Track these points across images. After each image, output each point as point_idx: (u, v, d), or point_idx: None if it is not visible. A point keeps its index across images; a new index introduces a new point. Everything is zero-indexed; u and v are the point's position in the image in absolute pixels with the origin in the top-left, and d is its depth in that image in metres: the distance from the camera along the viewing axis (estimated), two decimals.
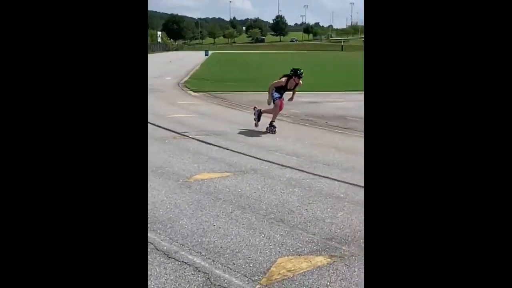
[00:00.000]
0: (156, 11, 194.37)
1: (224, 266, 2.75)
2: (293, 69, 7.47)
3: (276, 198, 4.07)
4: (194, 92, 13.92)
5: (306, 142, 6.70)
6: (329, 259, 2.87)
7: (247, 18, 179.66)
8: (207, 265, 2.75)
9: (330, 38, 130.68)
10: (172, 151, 5.82)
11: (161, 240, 3.11)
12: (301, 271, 2.70)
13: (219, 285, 2.52)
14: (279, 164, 5.25)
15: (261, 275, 2.65)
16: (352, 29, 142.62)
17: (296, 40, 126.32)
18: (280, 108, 7.50)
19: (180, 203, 3.87)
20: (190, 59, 39.72)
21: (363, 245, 2.98)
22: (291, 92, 7.65)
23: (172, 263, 2.78)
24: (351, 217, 3.61)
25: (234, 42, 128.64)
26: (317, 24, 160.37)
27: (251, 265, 2.77)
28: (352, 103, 11.31)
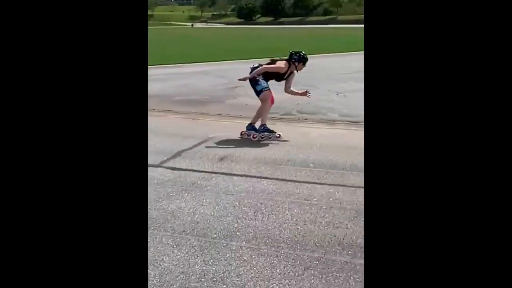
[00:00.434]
0: None
1: None
2: (296, 52, 5.70)
3: None
4: None
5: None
6: None
7: None
8: None
9: None
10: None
11: None
12: None
13: None
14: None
15: None
16: None
17: None
18: (272, 102, 5.65)
19: None
20: None
21: None
22: (282, 82, 5.78)
23: None
24: None
25: None
26: None
27: None
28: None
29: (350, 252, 2.86)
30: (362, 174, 4.32)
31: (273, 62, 5.72)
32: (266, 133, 5.61)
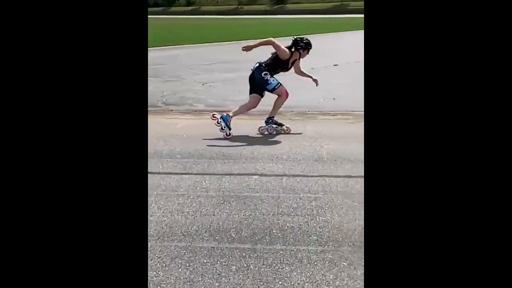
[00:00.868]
0: None
1: None
2: (301, 39, 5.49)
3: None
4: None
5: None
6: None
7: None
8: None
9: None
10: None
11: None
12: None
13: None
14: None
15: None
16: None
17: None
18: (287, 96, 5.47)
19: None
20: None
21: None
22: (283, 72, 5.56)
23: None
24: None
25: None
26: None
27: None
28: None
29: (217, 237, 2.92)
30: (229, 160, 4.44)
31: (276, 55, 5.47)
32: (274, 126, 5.49)
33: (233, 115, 5.42)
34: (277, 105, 5.52)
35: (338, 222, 3.12)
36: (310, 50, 5.55)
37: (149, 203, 3.44)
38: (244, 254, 2.71)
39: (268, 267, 2.57)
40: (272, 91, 5.43)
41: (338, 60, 11.91)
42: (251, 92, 5.53)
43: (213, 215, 3.26)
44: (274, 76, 5.44)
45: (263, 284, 2.42)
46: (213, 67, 11.74)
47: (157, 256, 2.69)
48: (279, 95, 5.46)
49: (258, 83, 5.42)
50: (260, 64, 5.50)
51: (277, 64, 5.45)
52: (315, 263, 2.61)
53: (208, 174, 4.12)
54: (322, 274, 2.50)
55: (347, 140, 5.13)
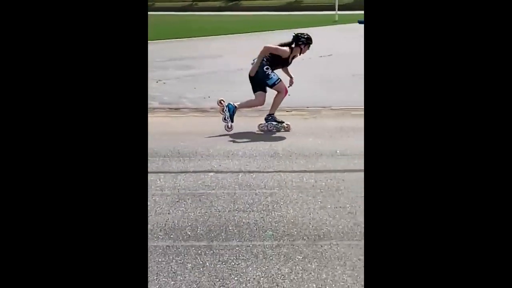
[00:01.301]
0: None
1: None
2: (302, 35, 5.49)
3: None
4: None
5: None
6: None
7: None
8: None
9: None
10: None
11: None
12: None
13: None
14: None
15: None
16: None
17: None
18: (286, 92, 5.44)
19: None
20: None
21: None
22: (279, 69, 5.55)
23: None
24: None
25: None
26: None
27: None
28: None
29: (172, 236, 2.90)
30: (184, 158, 4.40)
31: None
32: (274, 123, 5.40)
33: (239, 107, 5.41)
34: (276, 102, 5.46)
35: (293, 216, 3.16)
36: (311, 45, 5.54)
37: None
38: (199, 251, 2.70)
39: (224, 263, 2.58)
40: (271, 86, 5.37)
41: None
42: (255, 90, 5.45)
43: (168, 213, 3.23)
44: (274, 71, 5.41)
45: (219, 280, 2.42)
46: (167, 64, 11.58)
47: None
48: (278, 91, 5.41)
49: (260, 78, 5.36)
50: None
51: (278, 60, 5.42)
52: (271, 257, 2.64)
53: (162, 172, 4.08)
54: (278, 269, 2.52)
55: (302, 135, 5.20)
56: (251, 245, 2.78)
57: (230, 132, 5.35)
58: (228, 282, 2.41)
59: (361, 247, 2.73)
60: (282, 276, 2.45)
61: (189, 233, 2.94)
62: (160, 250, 2.71)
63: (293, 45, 5.45)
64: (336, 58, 12.08)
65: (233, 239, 2.86)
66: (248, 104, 5.54)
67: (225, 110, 5.36)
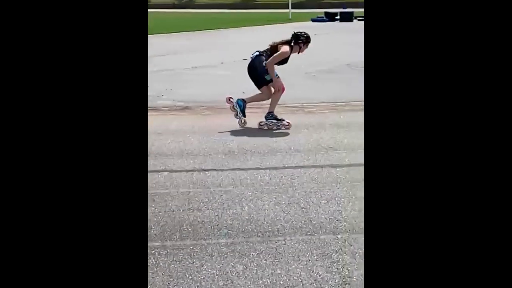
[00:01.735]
0: None
1: None
2: (301, 33, 5.48)
3: None
4: None
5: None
6: None
7: None
8: None
9: None
10: None
11: None
12: None
13: None
14: None
15: None
16: None
17: None
18: (283, 89, 5.43)
19: None
20: None
21: None
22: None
23: None
24: None
25: None
26: None
27: None
28: None
29: None
30: None
31: (276, 47, 5.35)
32: (274, 121, 5.36)
33: (248, 101, 5.47)
34: (274, 99, 5.47)
35: (247, 213, 3.18)
36: (309, 44, 5.56)
37: None
38: (153, 251, 2.67)
39: (178, 263, 2.56)
40: (269, 82, 5.37)
41: (247, 54, 12.04)
42: (259, 86, 5.45)
43: None
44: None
45: (173, 280, 2.40)
46: None
47: None
48: (276, 87, 5.39)
49: (259, 73, 5.37)
50: (261, 53, 5.43)
51: (282, 60, 5.41)
52: (225, 255, 2.64)
53: None
54: (232, 266, 2.53)
55: (257, 133, 5.22)
56: (205, 244, 2.77)
57: (186, 132, 5.31)
58: (182, 281, 2.40)
59: (314, 241, 2.78)
60: (237, 273, 2.46)
61: None
62: None
63: (292, 43, 5.47)
64: (290, 57, 12.18)
65: (188, 238, 2.84)
66: (255, 98, 5.57)
67: (235, 107, 5.44)
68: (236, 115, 5.46)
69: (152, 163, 4.21)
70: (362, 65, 10.09)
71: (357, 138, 4.91)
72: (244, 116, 5.47)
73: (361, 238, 2.80)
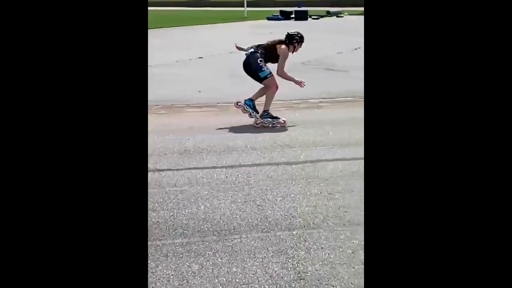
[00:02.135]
0: None
1: None
2: (296, 33, 5.51)
3: None
4: None
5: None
6: None
7: None
8: None
9: None
10: None
11: None
12: None
13: None
14: None
15: None
16: None
17: None
18: (277, 88, 5.46)
19: None
20: None
21: None
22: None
23: None
24: None
25: None
26: None
27: None
28: None
29: None
30: None
31: (272, 46, 5.38)
32: (269, 119, 5.38)
33: (255, 99, 5.49)
34: (268, 97, 5.49)
35: (203, 213, 3.17)
36: (303, 44, 5.60)
37: None
38: None
39: None
40: (263, 79, 5.39)
41: (203, 52, 11.98)
42: (259, 81, 5.46)
43: None
44: (266, 65, 5.43)
45: None
46: None
47: None
48: (268, 86, 5.42)
49: (253, 70, 5.41)
50: (256, 50, 5.44)
51: (271, 55, 5.45)
52: (181, 255, 2.62)
53: None
54: (188, 266, 2.52)
55: (214, 131, 5.21)
56: (160, 245, 2.74)
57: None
58: None
59: (269, 238, 2.81)
60: (192, 273, 2.45)
61: None
62: None
63: (287, 43, 5.50)
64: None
65: None
66: (260, 93, 5.55)
67: (246, 108, 5.47)
68: (250, 115, 5.49)
69: None
70: (315, 63, 10.25)
71: (312, 135, 4.99)
72: (258, 113, 5.48)
73: (315, 234, 2.86)
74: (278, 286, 2.35)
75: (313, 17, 28.51)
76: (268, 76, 5.39)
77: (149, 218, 3.07)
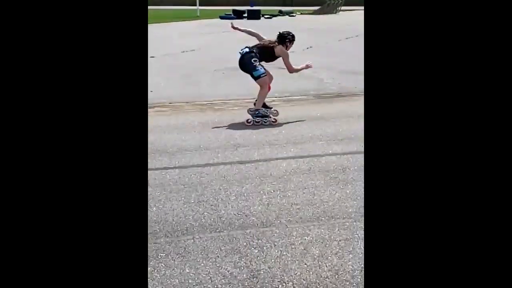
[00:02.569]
0: None
1: None
2: (287, 33, 5.59)
3: None
4: None
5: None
6: None
7: None
8: None
9: None
10: None
11: None
12: None
13: None
14: None
15: None
16: None
17: None
18: (269, 88, 5.55)
19: None
20: None
21: None
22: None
23: None
24: None
25: None
26: None
27: None
28: None
29: None
30: None
31: (269, 47, 5.44)
32: (260, 118, 5.46)
33: (258, 105, 5.51)
34: (261, 96, 5.51)
35: (156, 214, 3.13)
36: (294, 42, 5.73)
37: None
38: None
39: None
40: (256, 78, 5.42)
41: (156, 52, 11.80)
42: (255, 79, 5.49)
43: None
44: (261, 63, 5.46)
45: None
46: None
47: None
48: (261, 85, 5.46)
49: (248, 69, 5.45)
50: (250, 50, 5.47)
51: (266, 54, 5.50)
52: None
53: None
54: None
55: (166, 131, 5.14)
56: None
57: None
58: None
59: (223, 238, 2.81)
60: None
61: None
62: None
63: (280, 43, 5.59)
64: (198, 53, 12.14)
65: None
66: (260, 95, 5.55)
67: (258, 120, 5.47)
68: (264, 122, 5.46)
69: None
70: None
71: (265, 134, 5.03)
72: (269, 108, 5.61)
73: (268, 231, 2.88)
74: (231, 286, 2.36)
75: (265, 16, 28.69)
76: (262, 75, 5.43)
77: None
